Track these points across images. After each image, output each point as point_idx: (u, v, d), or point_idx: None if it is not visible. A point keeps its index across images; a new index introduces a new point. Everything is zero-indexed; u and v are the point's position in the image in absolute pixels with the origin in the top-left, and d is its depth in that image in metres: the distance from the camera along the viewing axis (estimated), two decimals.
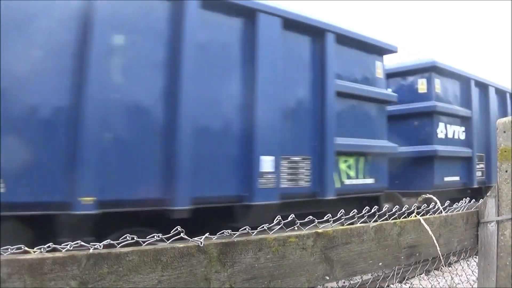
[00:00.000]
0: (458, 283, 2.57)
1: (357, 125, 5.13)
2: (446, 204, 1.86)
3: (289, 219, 1.30)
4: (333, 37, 4.91)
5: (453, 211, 1.87)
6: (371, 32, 5.50)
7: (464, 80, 7.36)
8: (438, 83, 6.78)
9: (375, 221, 1.50)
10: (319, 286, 1.34)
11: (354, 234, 1.38)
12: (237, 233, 1.14)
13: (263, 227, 1.24)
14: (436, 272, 4.58)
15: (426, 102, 6.70)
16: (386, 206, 1.68)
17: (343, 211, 1.47)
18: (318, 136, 4.68)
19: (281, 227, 1.27)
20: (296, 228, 1.31)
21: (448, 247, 1.77)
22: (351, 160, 4.98)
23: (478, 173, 7.53)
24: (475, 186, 7.32)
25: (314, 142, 4.63)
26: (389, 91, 5.89)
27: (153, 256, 0.95)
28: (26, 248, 0.89)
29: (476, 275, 1.90)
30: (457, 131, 7.11)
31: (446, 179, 6.73)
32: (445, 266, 1.82)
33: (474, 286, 2.09)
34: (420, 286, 3.50)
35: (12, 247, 0.88)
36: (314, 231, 1.28)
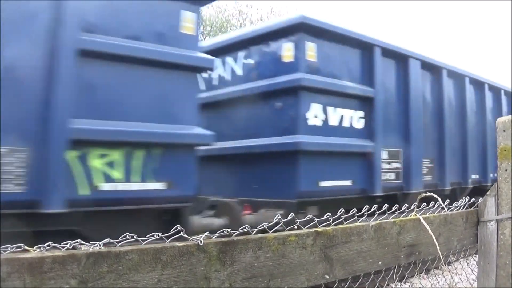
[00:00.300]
0: (458, 282, 2.57)
1: (132, 102, 3.24)
2: (446, 203, 1.86)
3: (289, 217, 1.30)
4: None
5: (453, 210, 1.87)
6: None
7: (364, 47, 5.13)
8: (312, 49, 4.55)
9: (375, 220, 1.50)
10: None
11: (354, 233, 1.38)
12: (237, 232, 1.14)
13: (263, 225, 1.24)
14: (436, 271, 4.57)
15: (291, 75, 4.46)
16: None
17: (342, 210, 1.47)
18: (38, 117, 2.85)
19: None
20: (295, 227, 1.31)
21: (447, 246, 1.77)
22: (116, 155, 3.15)
23: (389, 176, 5.21)
24: (379, 193, 5.00)
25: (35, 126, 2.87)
26: (203, 55, 3.77)
27: (153, 255, 0.95)
28: (26, 247, 0.89)
29: (476, 274, 1.90)
30: (349, 117, 4.83)
31: (324, 183, 4.45)
32: (445, 265, 1.82)
33: (474, 285, 2.10)
34: (420, 285, 3.50)
35: (12, 246, 0.88)
36: (313, 230, 1.28)
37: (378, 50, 5.14)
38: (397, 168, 5.36)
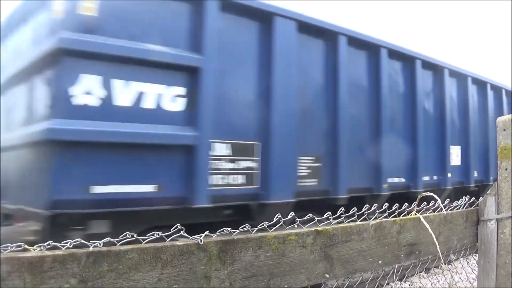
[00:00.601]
0: (458, 281, 2.57)
1: None
2: (446, 202, 1.86)
3: (289, 217, 1.30)
4: None
5: (453, 209, 1.87)
6: None
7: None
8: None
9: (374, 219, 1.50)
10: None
11: (354, 232, 1.38)
12: (237, 231, 1.14)
13: (263, 225, 1.24)
14: (436, 270, 4.58)
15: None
16: None
17: (343, 209, 1.46)
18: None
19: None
20: (296, 226, 1.31)
21: (448, 245, 1.77)
22: None
23: (232, 179, 3.65)
24: (205, 204, 3.42)
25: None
26: None
27: (153, 254, 0.95)
28: (26, 246, 0.89)
29: (476, 273, 1.90)
30: (151, 94, 3.22)
31: (100, 190, 3.01)
32: (445, 264, 1.82)
33: (474, 284, 2.10)
34: (420, 284, 3.50)
35: (12, 245, 0.88)
36: (314, 229, 1.28)
37: (213, 4, 3.56)
38: (249, 168, 3.76)
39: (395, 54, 5.19)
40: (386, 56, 5.03)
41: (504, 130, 1.76)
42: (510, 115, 1.79)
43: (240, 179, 3.71)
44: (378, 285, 1.89)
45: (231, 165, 3.66)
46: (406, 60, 5.43)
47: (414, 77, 5.50)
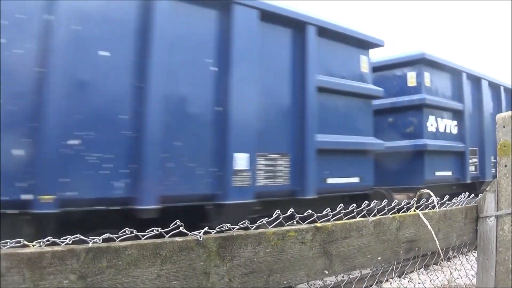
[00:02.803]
0: (457, 278, 2.57)
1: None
2: (445, 199, 1.86)
3: (288, 213, 1.30)
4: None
5: (452, 206, 1.87)
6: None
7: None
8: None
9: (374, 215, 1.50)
10: (318, 281, 1.34)
11: (353, 228, 1.38)
12: (236, 227, 1.14)
13: (262, 221, 1.24)
14: (435, 266, 4.59)
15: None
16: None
17: (342, 206, 1.47)
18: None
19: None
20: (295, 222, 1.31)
21: (447, 241, 1.77)
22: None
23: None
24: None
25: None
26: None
27: (152, 250, 0.95)
28: (26, 242, 0.89)
29: (475, 269, 1.90)
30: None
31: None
32: (444, 261, 1.83)
33: (473, 281, 2.10)
34: (419, 281, 3.51)
35: (11, 241, 0.88)
36: (313, 225, 1.28)
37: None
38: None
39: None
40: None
41: (504, 126, 1.76)
42: (510, 112, 1.78)
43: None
44: (377, 281, 1.89)
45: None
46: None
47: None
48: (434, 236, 1.63)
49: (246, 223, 1.18)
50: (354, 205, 1.51)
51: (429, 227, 1.61)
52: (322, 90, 4.69)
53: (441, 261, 1.73)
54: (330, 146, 4.74)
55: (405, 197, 5.67)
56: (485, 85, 7.66)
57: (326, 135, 4.69)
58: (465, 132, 6.99)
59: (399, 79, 6.62)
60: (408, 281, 4.26)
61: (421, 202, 1.72)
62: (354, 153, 5.06)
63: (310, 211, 1.33)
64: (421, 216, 1.62)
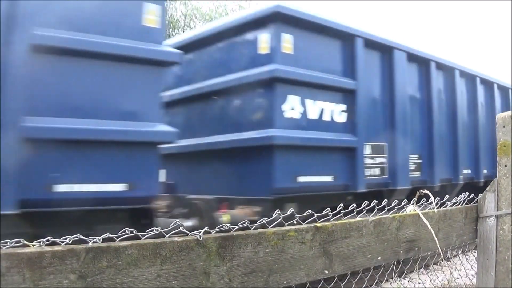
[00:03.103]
0: (457, 278, 2.57)
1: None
2: (444, 199, 1.86)
3: (288, 213, 1.30)
4: None
5: (452, 206, 1.87)
6: None
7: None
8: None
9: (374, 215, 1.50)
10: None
11: (353, 228, 1.39)
12: (236, 226, 1.14)
13: (262, 221, 1.24)
14: (435, 266, 4.59)
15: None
16: None
17: (354, 205, 1.47)
18: None
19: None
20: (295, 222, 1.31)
21: (447, 241, 1.77)
22: None
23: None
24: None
25: None
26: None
27: (152, 250, 0.95)
28: (25, 242, 0.89)
29: (475, 269, 1.90)
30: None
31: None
32: (444, 261, 1.83)
33: (473, 281, 2.10)
34: (419, 281, 3.51)
35: (11, 241, 0.88)
36: (313, 225, 1.28)
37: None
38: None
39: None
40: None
41: (504, 126, 1.76)
42: (510, 111, 1.79)
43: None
44: (377, 281, 1.89)
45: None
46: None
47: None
48: (434, 236, 1.64)
49: (245, 223, 1.18)
50: (354, 204, 1.51)
51: (429, 226, 1.61)
52: (55, 50, 2.87)
53: (441, 261, 1.73)
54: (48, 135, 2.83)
55: (248, 213, 4.02)
56: (400, 58, 5.37)
57: (41, 118, 2.82)
58: (358, 121, 4.76)
59: (251, 46, 4.45)
60: (408, 281, 4.26)
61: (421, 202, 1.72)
62: (107, 147, 3.10)
63: (310, 211, 1.33)
64: (421, 216, 1.62)
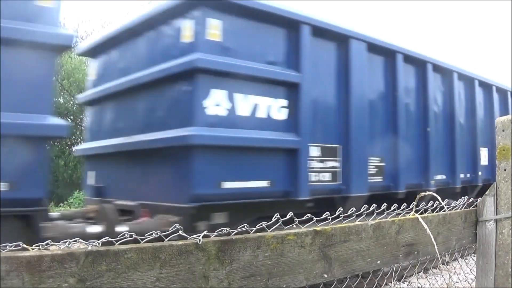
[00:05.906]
0: (457, 282, 2.57)
1: None
2: (445, 202, 1.86)
3: (288, 217, 1.30)
4: None
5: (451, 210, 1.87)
6: None
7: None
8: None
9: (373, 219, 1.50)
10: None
11: (353, 232, 1.39)
12: (236, 230, 1.14)
13: (261, 224, 1.24)
14: (434, 270, 4.59)
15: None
16: None
17: (354, 209, 1.47)
18: None
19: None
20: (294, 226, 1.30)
21: (446, 245, 1.77)
22: None
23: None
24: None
25: None
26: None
27: (152, 254, 0.95)
28: (25, 245, 0.89)
29: (475, 273, 1.90)
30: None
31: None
32: (444, 265, 1.83)
33: (472, 285, 2.10)
34: (418, 285, 3.51)
35: (10, 244, 0.88)
36: (312, 229, 1.28)
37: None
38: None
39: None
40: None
41: (503, 130, 1.76)
42: (509, 115, 1.79)
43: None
44: (376, 285, 1.89)
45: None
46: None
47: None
48: (433, 240, 1.63)
49: (245, 227, 1.19)
50: (353, 209, 1.50)
51: (428, 231, 1.61)
52: None
53: (440, 265, 1.73)
54: None
55: (161, 223, 3.59)
56: (358, 49, 4.76)
57: None
58: (302, 119, 4.16)
59: (176, 34, 3.95)
60: (408, 285, 4.26)
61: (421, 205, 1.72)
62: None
63: (309, 214, 1.33)
64: (420, 219, 1.62)
